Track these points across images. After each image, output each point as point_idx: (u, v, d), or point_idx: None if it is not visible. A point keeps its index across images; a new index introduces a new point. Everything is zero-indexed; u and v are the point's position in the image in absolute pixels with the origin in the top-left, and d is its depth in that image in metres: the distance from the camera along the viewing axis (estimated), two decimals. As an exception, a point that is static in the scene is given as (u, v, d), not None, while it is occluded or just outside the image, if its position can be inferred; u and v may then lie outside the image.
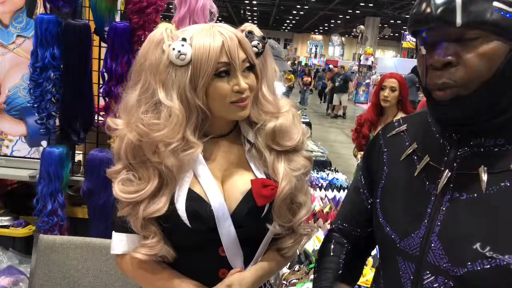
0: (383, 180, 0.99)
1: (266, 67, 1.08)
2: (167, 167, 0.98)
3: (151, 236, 1.00)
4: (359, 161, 3.35)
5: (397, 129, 1.02)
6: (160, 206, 0.98)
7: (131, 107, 1.01)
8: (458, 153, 0.85)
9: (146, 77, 0.99)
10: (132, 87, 1.03)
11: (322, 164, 4.71)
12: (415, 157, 0.93)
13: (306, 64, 24.33)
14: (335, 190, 3.74)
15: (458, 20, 0.75)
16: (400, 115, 3.07)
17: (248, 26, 1.08)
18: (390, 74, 3.40)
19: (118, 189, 1.00)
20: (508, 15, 0.75)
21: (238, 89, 0.98)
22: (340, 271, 1.06)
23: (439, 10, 0.76)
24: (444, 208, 0.85)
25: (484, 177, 0.81)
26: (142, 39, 1.95)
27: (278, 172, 1.05)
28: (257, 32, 1.07)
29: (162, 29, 1.00)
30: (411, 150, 0.95)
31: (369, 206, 1.05)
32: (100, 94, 2.07)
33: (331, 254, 1.10)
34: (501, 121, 0.81)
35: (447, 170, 0.86)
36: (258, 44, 1.04)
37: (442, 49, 0.78)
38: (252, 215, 1.03)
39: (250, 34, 1.05)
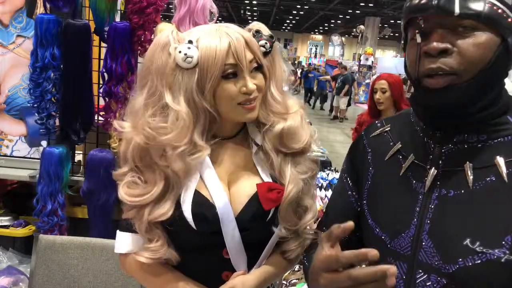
0: (368, 181, 0.99)
1: (274, 66, 1.07)
2: (174, 171, 0.98)
3: (155, 240, 1.00)
4: None
5: (380, 130, 1.02)
6: (165, 210, 0.98)
7: (137, 110, 1.00)
8: (443, 150, 0.86)
9: (152, 80, 0.98)
10: (139, 91, 1.02)
11: (322, 164, 4.69)
12: (400, 157, 0.94)
13: (310, 64, 23.75)
14: (335, 190, 3.73)
15: (457, 9, 0.78)
16: None
17: (256, 25, 1.07)
18: (380, 76, 3.38)
19: (123, 192, 1.00)
20: (499, 11, 0.79)
21: (246, 90, 0.98)
22: None
23: None
24: (432, 206, 0.85)
25: (470, 173, 0.82)
26: (142, 39, 1.96)
27: (285, 175, 1.05)
28: (265, 31, 1.05)
29: (168, 32, 0.99)
30: (396, 149, 0.95)
31: (358, 209, 1.04)
32: (100, 94, 2.07)
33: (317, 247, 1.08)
34: (482, 117, 0.82)
35: (433, 168, 0.87)
36: (266, 43, 1.03)
37: (438, 37, 0.80)
38: (257, 219, 1.03)
39: (257, 33, 1.04)
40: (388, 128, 1.01)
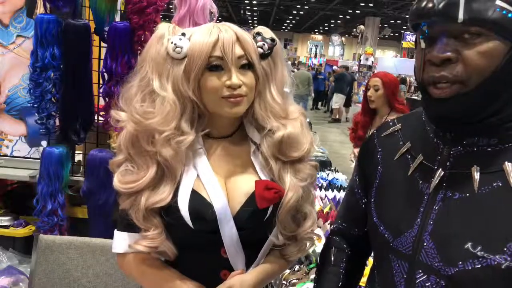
0: (377, 180, 0.99)
1: (276, 70, 1.07)
2: (162, 156, 0.98)
3: (153, 228, 1.00)
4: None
5: (391, 129, 1.02)
6: (163, 196, 0.98)
7: (130, 96, 1.03)
8: (451, 152, 0.85)
9: (145, 67, 1.02)
10: (133, 76, 1.05)
11: (322, 164, 4.70)
12: (409, 156, 0.93)
13: (321, 65, 23.03)
14: (335, 190, 3.74)
15: (460, 15, 0.74)
16: (394, 114, 3.00)
17: (259, 28, 1.08)
18: (375, 73, 3.35)
19: (117, 180, 1.01)
20: (509, 15, 0.74)
21: (230, 84, 0.98)
22: (341, 283, 1.07)
23: (441, 5, 0.76)
24: (436, 207, 0.85)
25: (477, 176, 0.81)
26: (142, 39, 1.95)
27: (285, 182, 1.04)
28: (267, 34, 1.06)
29: (166, 26, 1.03)
30: (405, 149, 0.95)
31: (363, 206, 1.05)
32: (100, 94, 2.07)
33: (332, 263, 1.10)
34: (494, 121, 0.80)
35: (440, 169, 0.86)
36: (264, 45, 1.03)
37: (442, 45, 0.77)
38: (255, 218, 1.03)
39: (257, 35, 1.04)
40: (399, 127, 1.00)
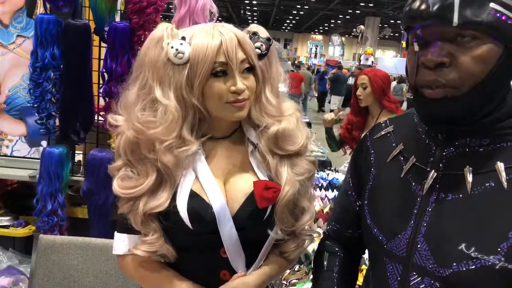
0: (370, 182, 0.99)
1: (271, 69, 1.06)
2: (163, 163, 0.98)
3: (151, 233, 1.00)
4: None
5: (384, 131, 1.02)
6: (161, 201, 0.98)
7: (130, 103, 1.02)
8: (444, 153, 0.85)
9: (144, 73, 1.00)
10: (132, 83, 1.03)
11: (322, 164, 4.69)
12: (402, 158, 0.93)
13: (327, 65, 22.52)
14: (335, 190, 3.74)
15: (455, 19, 0.74)
16: (386, 113, 2.87)
17: (254, 27, 1.07)
18: (363, 70, 3.19)
19: (117, 185, 1.01)
20: (503, 18, 0.74)
21: (235, 89, 0.97)
22: (335, 287, 1.06)
23: (436, 8, 0.75)
24: (430, 209, 0.84)
25: (469, 177, 0.81)
26: (142, 39, 1.95)
27: (282, 176, 1.04)
28: (263, 33, 1.05)
29: (163, 27, 1.00)
30: (398, 151, 0.94)
31: (357, 208, 1.05)
32: (100, 94, 2.07)
33: (325, 268, 1.10)
34: (487, 122, 0.81)
35: (433, 170, 0.86)
36: (262, 45, 1.03)
37: (436, 48, 0.77)
38: (254, 218, 1.03)
39: (254, 35, 1.04)
40: (392, 129, 1.00)
